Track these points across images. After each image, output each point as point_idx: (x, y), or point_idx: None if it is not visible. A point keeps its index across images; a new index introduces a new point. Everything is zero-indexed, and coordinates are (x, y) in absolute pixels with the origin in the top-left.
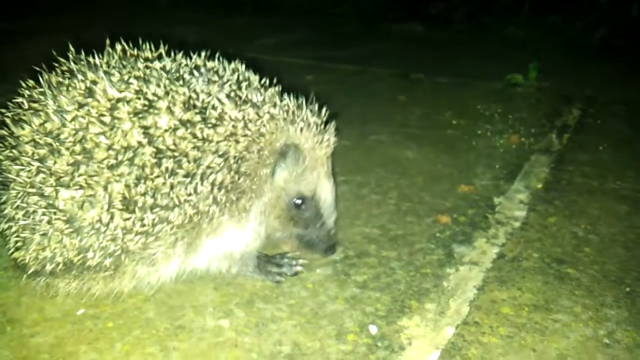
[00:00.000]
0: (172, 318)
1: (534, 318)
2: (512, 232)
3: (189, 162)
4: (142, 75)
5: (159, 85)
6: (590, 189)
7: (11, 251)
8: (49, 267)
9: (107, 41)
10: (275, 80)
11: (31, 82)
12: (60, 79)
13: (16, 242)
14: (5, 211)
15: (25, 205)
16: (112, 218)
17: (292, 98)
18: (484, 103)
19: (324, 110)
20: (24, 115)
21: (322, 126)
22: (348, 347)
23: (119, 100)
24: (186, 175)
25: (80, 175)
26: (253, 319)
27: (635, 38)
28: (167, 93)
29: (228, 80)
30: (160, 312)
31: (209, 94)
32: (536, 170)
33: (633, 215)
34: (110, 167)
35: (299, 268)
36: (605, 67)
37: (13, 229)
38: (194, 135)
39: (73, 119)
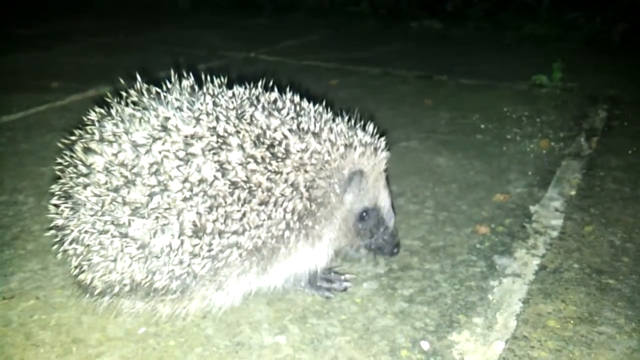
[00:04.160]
0: (230, 335)
1: (580, 331)
2: (551, 242)
3: (262, 191)
4: (211, 112)
5: (228, 123)
6: (623, 195)
7: (75, 272)
8: (116, 289)
9: (173, 72)
10: (324, 104)
11: (100, 112)
12: (133, 112)
13: (81, 263)
14: (72, 234)
15: (95, 231)
16: (182, 244)
17: (345, 119)
18: (510, 105)
19: (373, 126)
20: (95, 143)
21: (377, 144)
22: None
23: (192, 136)
24: (260, 204)
25: (155, 206)
26: (308, 334)
27: None
28: (237, 132)
29: (288, 113)
30: (218, 329)
31: (274, 130)
32: (568, 176)
33: None
34: (185, 199)
35: (348, 284)
36: (628, 63)
37: (78, 251)
38: (266, 168)
39: (147, 152)
